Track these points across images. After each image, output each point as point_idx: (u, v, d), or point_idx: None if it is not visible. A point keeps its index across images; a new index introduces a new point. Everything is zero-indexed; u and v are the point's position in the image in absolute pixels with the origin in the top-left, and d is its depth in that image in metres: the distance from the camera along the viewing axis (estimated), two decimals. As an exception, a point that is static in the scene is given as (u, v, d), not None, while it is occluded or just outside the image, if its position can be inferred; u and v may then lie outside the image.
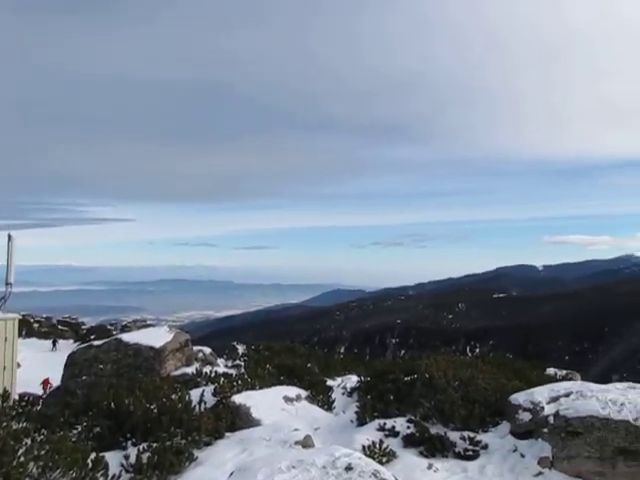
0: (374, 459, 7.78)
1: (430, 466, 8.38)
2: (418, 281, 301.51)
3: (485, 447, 8.94)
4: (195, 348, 15.11)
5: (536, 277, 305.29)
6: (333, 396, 12.06)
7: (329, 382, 13.38)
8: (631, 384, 8.77)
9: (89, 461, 7.36)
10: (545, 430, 8.44)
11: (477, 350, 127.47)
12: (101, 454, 7.89)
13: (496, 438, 9.25)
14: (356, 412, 10.59)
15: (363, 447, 8.68)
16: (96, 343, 14.47)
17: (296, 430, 9.00)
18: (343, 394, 12.61)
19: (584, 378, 17.09)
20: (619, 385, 8.77)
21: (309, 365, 14.86)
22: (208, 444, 9.05)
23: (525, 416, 9.04)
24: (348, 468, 5.81)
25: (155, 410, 9.34)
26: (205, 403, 10.24)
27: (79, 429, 9.26)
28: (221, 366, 14.87)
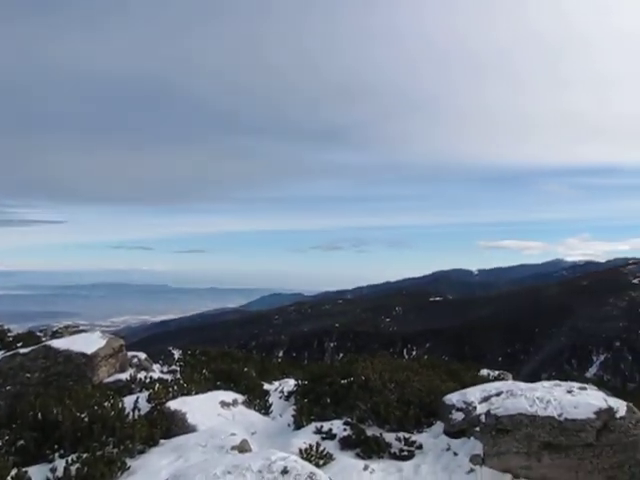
0: (311, 462, 7.80)
1: (366, 467, 8.47)
2: (356, 285, 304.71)
3: (420, 447, 9.11)
4: (129, 354, 14.70)
5: (471, 281, 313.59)
6: (270, 400, 12.00)
7: (266, 386, 13.30)
8: (557, 382, 9.12)
9: (9, 478, 7.03)
10: (477, 429, 8.69)
11: (414, 353, 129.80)
12: (24, 469, 7.54)
13: (430, 438, 9.45)
14: (293, 416, 10.58)
15: (300, 450, 8.68)
16: (23, 351, 13.82)
17: (233, 435, 8.89)
18: (280, 398, 12.57)
19: (516, 378, 17.66)
20: (546, 383, 9.10)
21: (246, 369, 14.74)
22: (142, 452, 8.80)
23: (458, 416, 9.27)
24: (284, 472, 5.81)
25: (86, 419, 9.01)
26: (139, 410, 9.99)
27: (0, 443, 8.79)
28: (156, 372, 14.53)
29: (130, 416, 9.58)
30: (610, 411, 7.63)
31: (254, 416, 10.96)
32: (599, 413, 7.58)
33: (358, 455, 9.05)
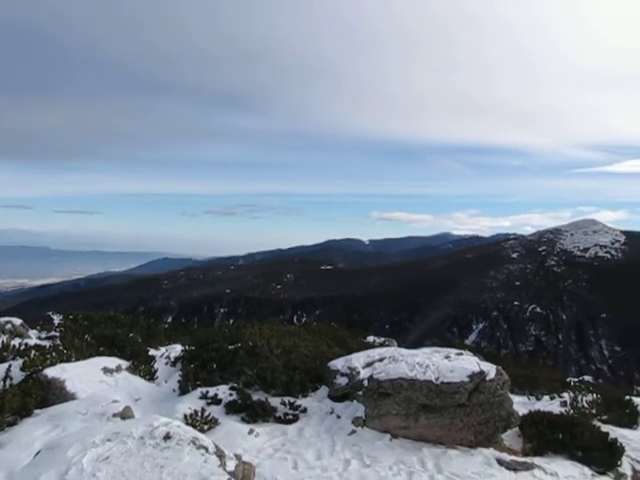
0: (195, 427, 7.75)
1: (251, 431, 8.56)
2: (248, 251, 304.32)
3: (304, 411, 9.33)
4: (2, 319, 13.83)
5: (363, 251, 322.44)
6: (156, 366, 11.75)
7: (152, 352, 13.00)
8: (436, 348, 9.62)
9: None
10: (360, 393, 9.01)
11: (304, 320, 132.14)
12: None
13: (315, 402, 9.69)
14: (179, 381, 10.45)
15: (185, 416, 8.62)
16: None
17: (115, 402, 8.64)
18: (167, 364, 12.35)
19: (401, 345, 18.45)
20: (426, 350, 9.57)
21: (131, 335, 14.33)
22: (12, 424, 8.32)
23: (342, 380, 9.57)
24: (166, 437, 5.73)
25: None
26: (12, 379, 9.43)
27: None
28: (33, 338, 13.79)
29: (0, 385, 9.03)
30: (482, 374, 8.18)
31: (138, 382, 10.70)
32: (472, 376, 8.10)
33: (243, 419, 9.13)
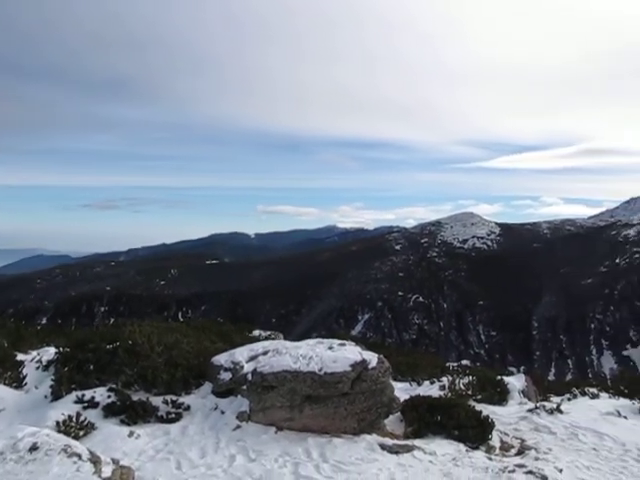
0: (69, 434, 7.30)
1: (131, 433, 8.19)
2: (131, 246, 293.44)
3: (187, 408, 9.06)
4: None
5: (248, 245, 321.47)
6: (25, 372, 10.93)
7: (21, 357, 12.09)
8: (320, 340, 9.68)
9: None
10: (244, 387, 8.89)
11: (189, 316, 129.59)
12: None
13: (198, 399, 9.45)
14: (51, 386, 9.76)
15: (57, 423, 8.08)
16: None
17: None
18: (38, 369, 11.50)
19: (288, 338, 18.51)
20: (310, 341, 9.60)
21: (-3, 339, 13.23)
22: None
23: (226, 375, 9.40)
24: (33, 448, 5.31)
25: None
26: None
27: None
28: None
29: None
30: (364, 363, 8.34)
31: (3, 391, 9.89)
32: (354, 365, 8.24)
33: (123, 422, 8.69)
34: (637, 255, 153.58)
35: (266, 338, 17.18)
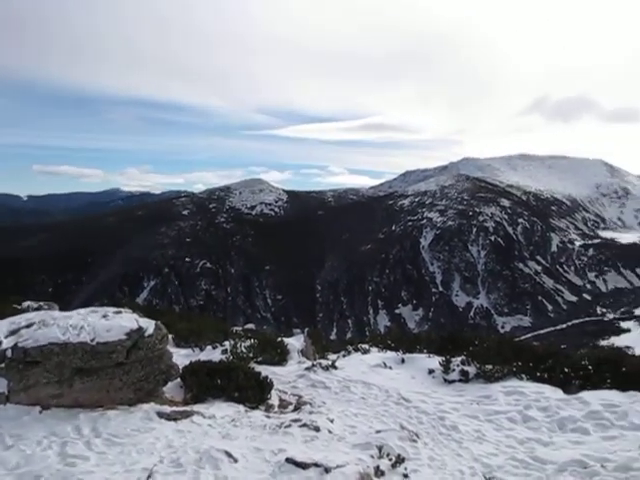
0: None
1: None
2: None
3: None
4: None
5: (20, 208, 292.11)
6: None
7: None
8: (94, 308, 9.03)
9: None
10: (2, 365, 7.96)
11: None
12: None
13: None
14: None
15: None
16: None
17: None
18: None
19: (67, 308, 17.00)
20: (82, 311, 8.91)
21: None
22: None
23: (-18, 353, 8.33)
24: None
25: None
26: None
27: None
28: None
29: None
30: (140, 331, 7.98)
31: None
32: (130, 334, 7.84)
33: None
34: (410, 223, 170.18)
35: (37, 310, 15.68)
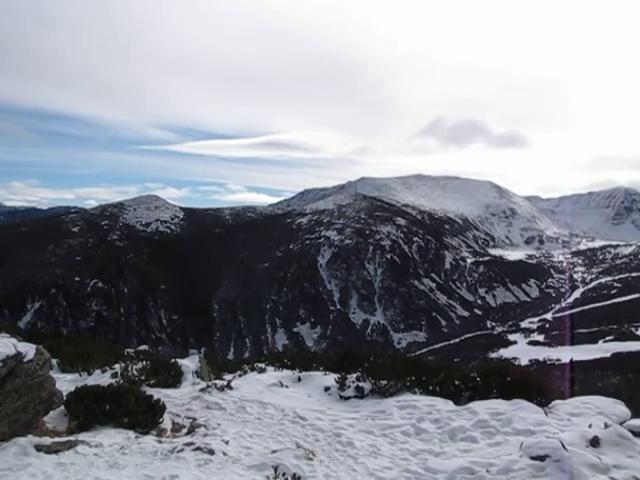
0: None
1: None
2: None
3: None
4: None
5: None
6: None
7: None
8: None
9: None
10: None
11: None
12: None
13: None
14: None
15: None
16: None
17: None
18: None
19: None
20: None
21: None
22: None
23: None
24: None
25: None
26: None
27: None
28: None
29: None
30: (18, 356, 7.40)
31: None
32: (6, 360, 7.24)
33: None
34: (308, 241, 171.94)
35: None
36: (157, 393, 10.14)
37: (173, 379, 12.08)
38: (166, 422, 9.02)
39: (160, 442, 7.98)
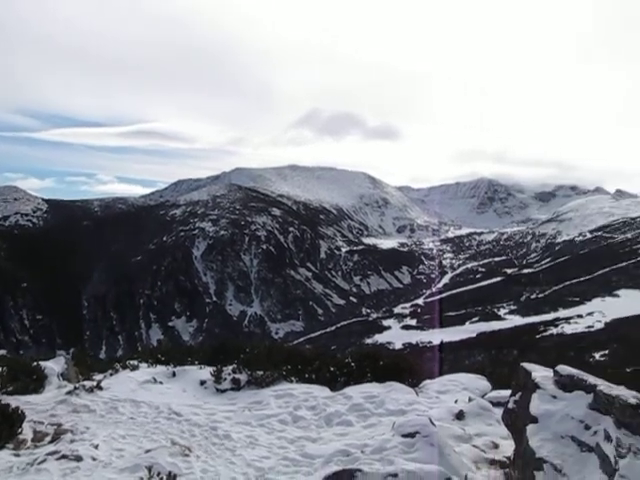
0: None
1: None
2: None
3: None
4: None
5: None
6: None
7: None
8: None
9: None
10: None
11: None
12: None
13: None
14: None
15: None
16: None
17: None
18: None
19: None
20: None
21: None
22: None
23: None
24: None
25: None
26: None
27: None
28: None
29: None
30: None
31: None
32: None
33: None
34: (182, 233, 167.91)
35: None
36: (16, 401, 9.38)
37: (35, 384, 11.23)
38: (26, 432, 8.34)
39: (18, 455, 7.38)
